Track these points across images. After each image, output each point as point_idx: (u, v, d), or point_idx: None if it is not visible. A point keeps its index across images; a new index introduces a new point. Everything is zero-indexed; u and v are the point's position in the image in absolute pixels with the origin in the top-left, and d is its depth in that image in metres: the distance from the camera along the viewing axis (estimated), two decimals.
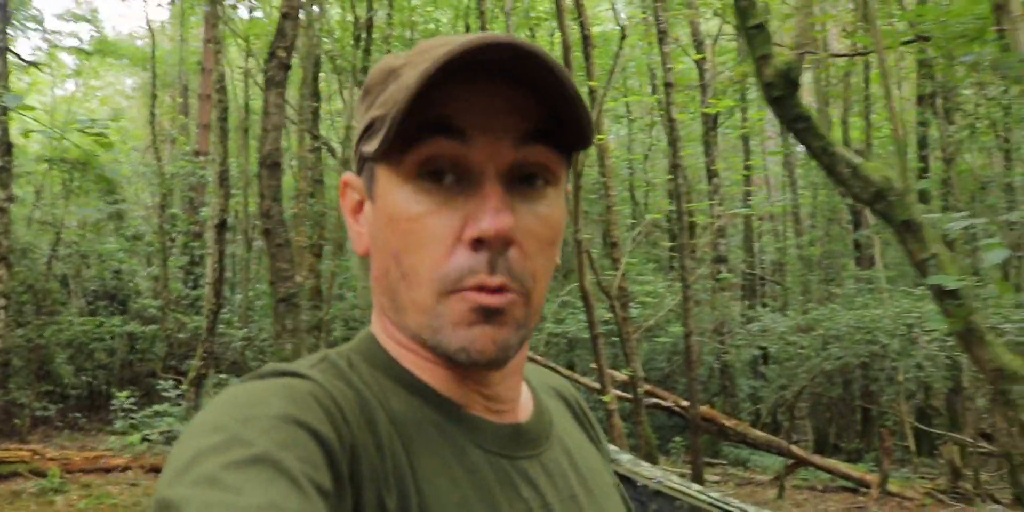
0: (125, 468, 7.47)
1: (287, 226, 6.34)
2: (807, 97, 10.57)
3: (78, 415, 10.12)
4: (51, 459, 7.40)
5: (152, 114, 13.50)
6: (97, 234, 12.48)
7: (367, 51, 10.84)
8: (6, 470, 7.12)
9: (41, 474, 7.00)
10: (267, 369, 0.60)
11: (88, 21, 12.93)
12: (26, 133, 6.25)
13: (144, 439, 8.30)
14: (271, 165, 5.87)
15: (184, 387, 9.36)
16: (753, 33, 3.25)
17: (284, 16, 6.11)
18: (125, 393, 9.08)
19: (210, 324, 9.50)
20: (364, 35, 10.80)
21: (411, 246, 0.61)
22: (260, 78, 9.29)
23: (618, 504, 0.77)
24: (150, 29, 14.47)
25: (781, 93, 3.18)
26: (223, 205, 9.63)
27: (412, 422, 0.62)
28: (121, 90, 16.98)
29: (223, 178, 9.73)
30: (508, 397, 0.68)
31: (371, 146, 0.62)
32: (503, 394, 0.68)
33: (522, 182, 0.62)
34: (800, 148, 8.00)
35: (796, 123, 3.18)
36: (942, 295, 2.95)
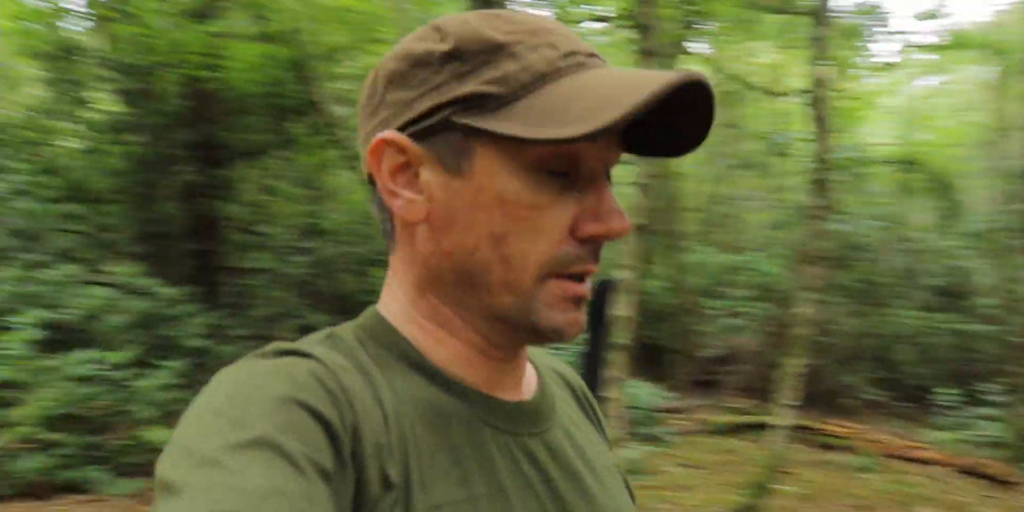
0: (933, 462, 7.48)
1: None
2: None
3: (904, 404, 10.45)
4: (869, 440, 7.97)
5: (996, 105, 12.69)
6: (935, 231, 12.48)
7: None
8: (824, 441, 7.99)
9: (854, 451, 7.60)
10: (271, 348, 0.60)
11: (933, 17, 13.04)
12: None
13: (960, 440, 8.10)
14: None
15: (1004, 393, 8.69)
16: None
17: None
18: (949, 390, 8.97)
19: None
20: None
21: (524, 232, 0.62)
22: None
23: (619, 483, 0.78)
24: (997, 16, 13.57)
25: None
26: None
27: (417, 399, 0.63)
28: (971, 83, 16.50)
29: None
30: (519, 373, 0.72)
31: (503, 128, 0.59)
32: (518, 370, 0.71)
33: None
34: None
35: None
36: None
